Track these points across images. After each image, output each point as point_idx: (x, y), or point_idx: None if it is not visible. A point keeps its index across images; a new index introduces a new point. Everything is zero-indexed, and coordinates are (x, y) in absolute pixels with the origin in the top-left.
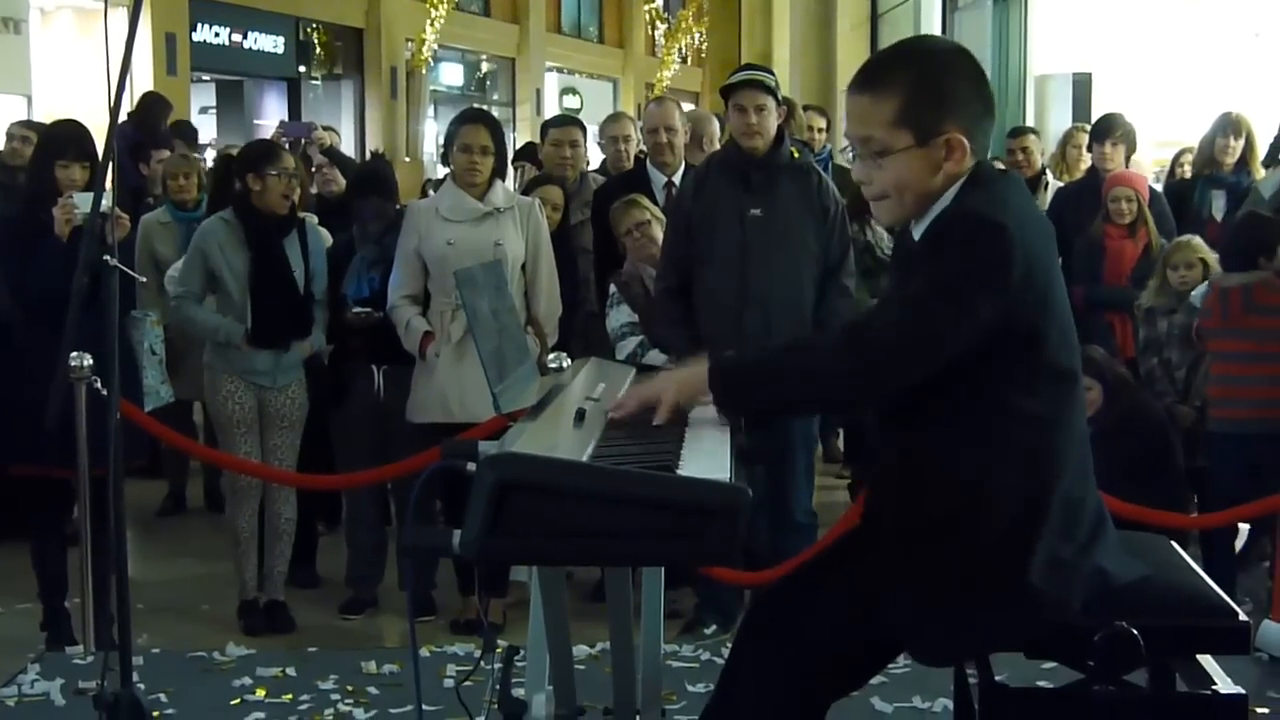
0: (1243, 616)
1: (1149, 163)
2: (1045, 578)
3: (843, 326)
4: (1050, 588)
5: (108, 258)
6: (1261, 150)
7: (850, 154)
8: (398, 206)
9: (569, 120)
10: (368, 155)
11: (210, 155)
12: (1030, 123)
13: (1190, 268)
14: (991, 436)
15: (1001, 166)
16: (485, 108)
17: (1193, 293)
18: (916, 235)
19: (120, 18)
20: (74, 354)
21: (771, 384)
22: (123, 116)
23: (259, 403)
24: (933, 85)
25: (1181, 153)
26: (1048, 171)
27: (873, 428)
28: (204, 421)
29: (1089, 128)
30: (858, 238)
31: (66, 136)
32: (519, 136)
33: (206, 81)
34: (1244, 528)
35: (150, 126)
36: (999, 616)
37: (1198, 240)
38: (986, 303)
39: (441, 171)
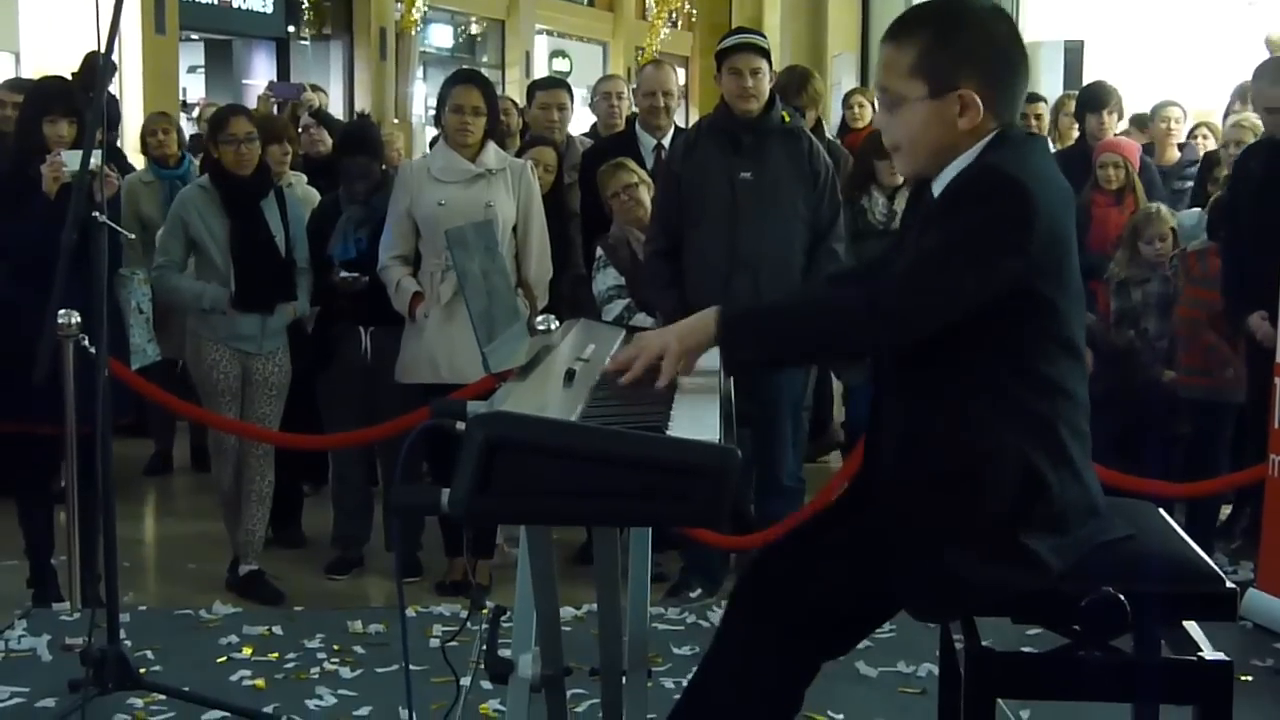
0: (1229, 584)
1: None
2: (1043, 540)
3: (857, 277)
4: (1048, 549)
5: (97, 215)
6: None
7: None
8: (384, 167)
9: (556, 83)
10: (355, 116)
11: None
12: None
13: (1163, 239)
14: (1000, 399)
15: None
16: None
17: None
18: (936, 192)
19: None
20: (62, 311)
21: (783, 331)
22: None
23: (244, 370)
24: (952, 39)
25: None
26: (1046, 139)
27: (878, 385)
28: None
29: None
30: (855, 200)
31: (54, 92)
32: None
33: (195, 41)
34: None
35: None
36: (997, 575)
37: (1166, 210)
38: (1003, 260)
39: (431, 133)
